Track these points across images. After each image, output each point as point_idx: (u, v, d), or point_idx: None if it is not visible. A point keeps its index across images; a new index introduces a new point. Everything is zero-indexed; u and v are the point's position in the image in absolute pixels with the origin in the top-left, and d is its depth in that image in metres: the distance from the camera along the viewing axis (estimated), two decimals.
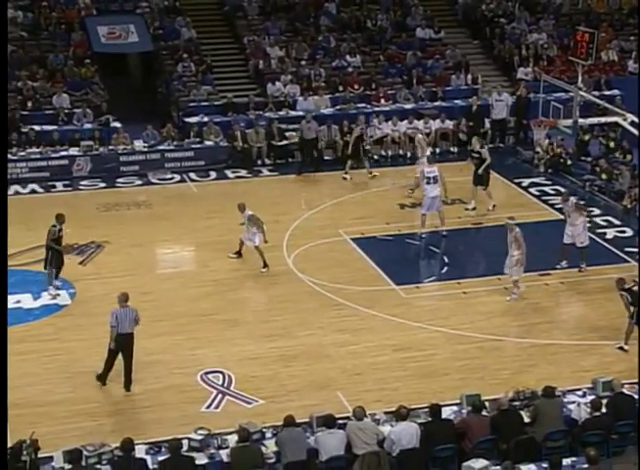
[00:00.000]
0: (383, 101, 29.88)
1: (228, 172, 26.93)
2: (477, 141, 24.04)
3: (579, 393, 14.64)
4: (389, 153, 28.30)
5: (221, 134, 27.68)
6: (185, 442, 13.19)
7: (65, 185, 25.86)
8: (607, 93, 30.22)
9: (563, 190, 23.44)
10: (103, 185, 25.92)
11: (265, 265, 20.27)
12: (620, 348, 16.95)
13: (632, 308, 16.73)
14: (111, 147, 26.94)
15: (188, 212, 23.78)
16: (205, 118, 28.21)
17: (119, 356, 15.83)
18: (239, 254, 20.86)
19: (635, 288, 16.95)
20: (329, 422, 13.41)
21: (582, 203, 22.00)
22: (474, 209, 23.49)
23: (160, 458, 12.90)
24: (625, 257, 20.81)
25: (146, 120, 28.05)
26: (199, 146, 27.34)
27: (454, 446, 13.34)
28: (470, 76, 31.38)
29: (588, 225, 21.19)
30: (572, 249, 20.07)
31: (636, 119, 24.73)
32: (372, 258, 20.93)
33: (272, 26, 32.54)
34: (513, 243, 18.74)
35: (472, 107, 28.99)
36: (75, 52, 30.58)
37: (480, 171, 23.45)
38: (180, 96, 29.72)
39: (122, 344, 15.69)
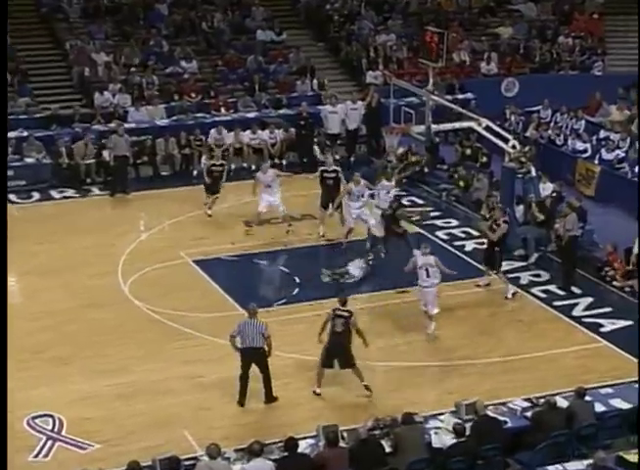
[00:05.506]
0: (223, 110, 29.94)
1: (53, 192, 26.44)
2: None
3: (442, 417, 14.96)
4: (232, 166, 28.13)
5: (44, 150, 27.19)
6: None
7: None
8: (460, 97, 30.94)
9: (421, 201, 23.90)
10: None
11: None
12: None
13: None
14: None
15: (11, 238, 23.06)
16: (25, 133, 27.63)
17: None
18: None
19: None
20: (173, 464, 13.30)
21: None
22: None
23: None
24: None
25: None
26: (18, 164, 26.73)
27: None
28: (315, 81, 31.78)
29: (447, 238, 21.65)
30: None
31: (491, 124, 25.43)
32: (217, 281, 20.91)
33: (97, 30, 32.24)
34: None
35: (301, 114, 29.06)
36: None
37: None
38: None
39: (252, 358, 16.21)
